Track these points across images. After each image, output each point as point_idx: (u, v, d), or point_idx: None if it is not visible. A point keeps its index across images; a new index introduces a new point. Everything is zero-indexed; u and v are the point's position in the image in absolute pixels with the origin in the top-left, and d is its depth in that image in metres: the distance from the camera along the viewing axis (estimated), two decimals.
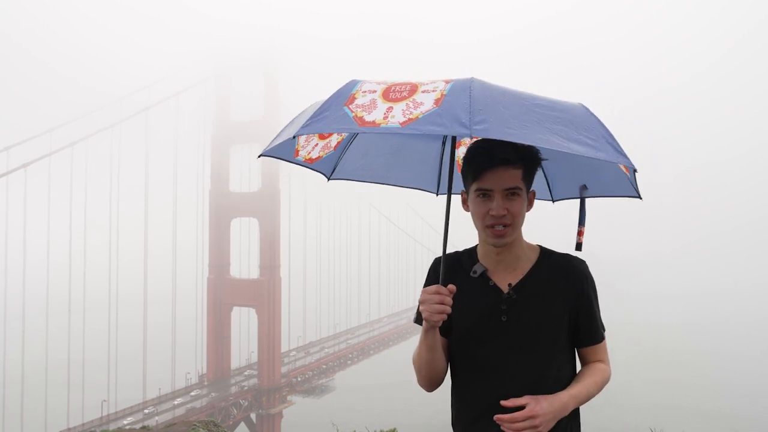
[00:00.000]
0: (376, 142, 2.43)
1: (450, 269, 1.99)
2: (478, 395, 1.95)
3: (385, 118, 1.62)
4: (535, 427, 1.78)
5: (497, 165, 1.87)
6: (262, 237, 57.97)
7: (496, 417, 1.81)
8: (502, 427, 1.81)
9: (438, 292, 1.83)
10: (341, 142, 2.34)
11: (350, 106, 1.69)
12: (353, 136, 2.35)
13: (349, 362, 67.19)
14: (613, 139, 1.79)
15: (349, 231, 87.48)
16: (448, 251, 2.00)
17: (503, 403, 1.83)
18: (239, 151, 59.20)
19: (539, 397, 1.84)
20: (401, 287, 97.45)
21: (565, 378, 1.96)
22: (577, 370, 2.04)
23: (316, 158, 2.31)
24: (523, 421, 1.79)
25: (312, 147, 2.28)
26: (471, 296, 1.96)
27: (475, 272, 2.00)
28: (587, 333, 2.00)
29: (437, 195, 2.61)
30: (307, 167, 2.32)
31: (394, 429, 7.24)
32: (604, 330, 2.05)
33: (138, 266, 53.76)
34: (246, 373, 57.31)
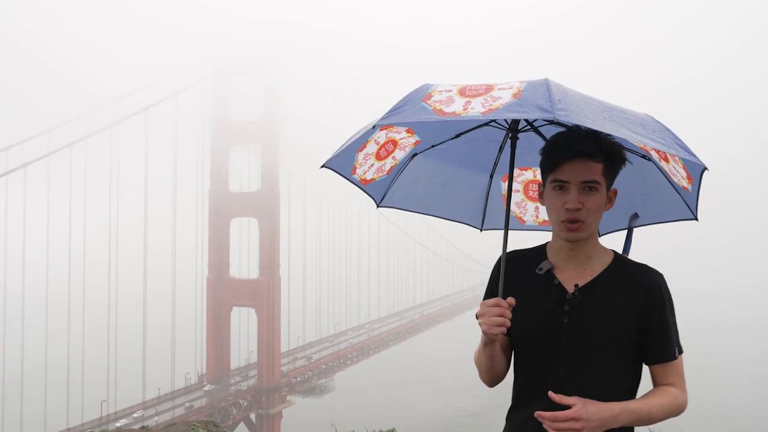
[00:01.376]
0: (428, 170, 2.47)
1: (515, 267, 1.97)
2: (534, 394, 1.90)
3: (465, 109, 1.66)
4: (576, 430, 1.70)
5: (576, 156, 1.80)
6: (261, 237, 57.97)
7: (537, 414, 1.75)
8: (543, 425, 1.74)
9: (498, 305, 1.80)
10: (395, 166, 2.38)
11: (428, 102, 1.74)
12: (406, 162, 2.41)
13: (348, 362, 67.21)
14: (683, 143, 1.83)
15: (348, 231, 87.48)
16: (518, 248, 2.01)
17: (551, 394, 1.78)
18: (239, 151, 59.22)
19: (588, 401, 1.75)
20: (401, 287, 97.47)
21: (624, 391, 1.86)
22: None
23: (370, 180, 2.36)
24: (565, 421, 1.71)
25: (369, 166, 2.32)
26: (534, 294, 1.91)
27: (541, 269, 1.94)
28: (657, 349, 1.88)
29: (481, 231, 2.63)
30: (361, 188, 2.38)
31: (393, 429, 7.23)
32: (680, 350, 1.91)
33: (137, 266, 53.77)
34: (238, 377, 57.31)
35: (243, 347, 58.63)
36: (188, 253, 59.35)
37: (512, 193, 2.48)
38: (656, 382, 1.92)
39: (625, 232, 2.28)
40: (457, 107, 1.68)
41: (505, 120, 2.14)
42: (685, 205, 2.16)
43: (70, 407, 45.53)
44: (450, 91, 1.77)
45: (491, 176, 2.52)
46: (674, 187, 2.12)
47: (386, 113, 1.78)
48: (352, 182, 2.32)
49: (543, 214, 2.18)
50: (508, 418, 2.01)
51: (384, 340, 76.11)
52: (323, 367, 62.49)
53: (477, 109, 1.64)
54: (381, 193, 2.44)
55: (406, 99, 1.80)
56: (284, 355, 60.00)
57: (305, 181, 65.00)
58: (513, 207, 2.56)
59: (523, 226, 2.57)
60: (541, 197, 1.96)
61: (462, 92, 1.74)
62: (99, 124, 56.07)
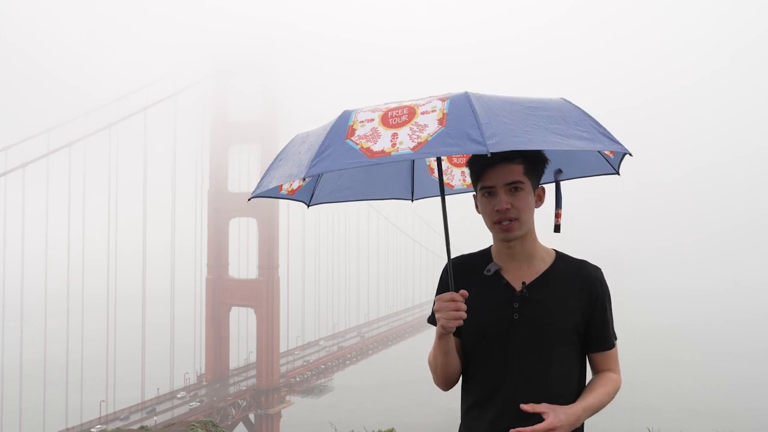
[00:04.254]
0: None
1: (463, 270, 2.02)
2: (488, 392, 1.97)
3: (393, 145, 1.60)
4: None
5: (496, 162, 1.90)
6: (260, 237, 57.95)
7: (514, 431, 1.80)
8: None
9: (453, 299, 1.85)
10: None
11: (353, 139, 1.65)
12: None
13: (347, 362, 67.16)
14: (603, 128, 1.82)
15: (347, 231, 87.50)
16: (462, 253, 2.05)
17: (523, 407, 1.84)
18: (238, 151, 59.21)
19: (557, 407, 1.84)
20: (400, 287, 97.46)
21: (574, 382, 1.97)
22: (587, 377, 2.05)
23: (296, 189, 2.32)
24: None
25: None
26: (484, 294, 1.97)
27: (488, 270, 2.02)
28: (599, 339, 2.01)
29: (413, 201, 2.68)
30: (289, 199, 2.34)
31: (392, 429, 7.23)
32: (615, 338, 2.05)
33: (137, 266, 53.75)
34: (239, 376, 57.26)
35: (242, 347, 58.62)
36: (187, 253, 59.34)
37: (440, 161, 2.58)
38: (596, 368, 2.05)
39: (554, 187, 2.29)
40: (384, 144, 1.60)
41: None
42: (606, 162, 2.28)
43: (69, 407, 45.50)
44: (372, 120, 1.69)
45: None
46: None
47: (313, 159, 1.64)
48: (280, 198, 2.28)
49: (469, 177, 2.27)
50: (465, 417, 2.06)
51: (383, 340, 76.07)
52: (322, 367, 62.45)
53: (406, 144, 1.58)
54: (308, 195, 2.41)
55: (330, 137, 1.68)
56: (283, 355, 59.99)
57: None
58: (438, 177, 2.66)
59: (452, 191, 2.59)
60: (477, 207, 2.03)
61: (385, 121, 1.67)
62: (98, 124, 56.08)
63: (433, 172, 2.59)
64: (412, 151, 1.57)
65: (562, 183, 2.24)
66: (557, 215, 2.13)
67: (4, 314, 46.57)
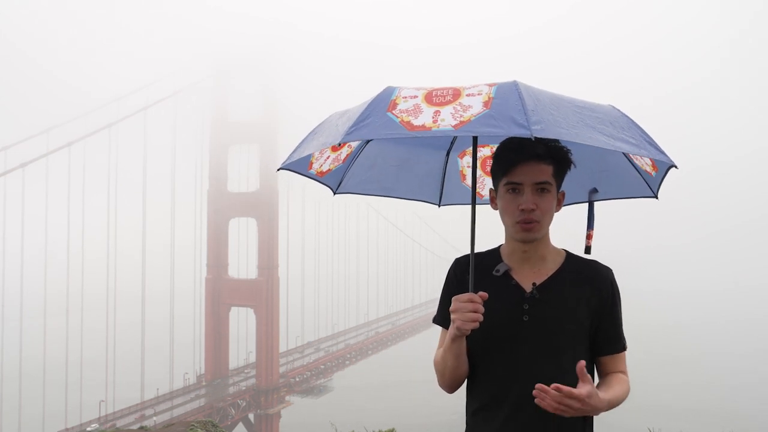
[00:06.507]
0: (383, 153, 2.44)
1: (473, 270, 1.98)
2: (496, 395, 1.93)
3: (435, 121, 1.60)
4: (573, 409, 1.71)
5: (528, 159, 1.87)
6: (260, 237, 57.94)
7: (539, 386, 1.72)
8: (537, 400, 1.72)
9: (471, 301, 1.81)
10: (350, 154, 2.36)
11: (394, 112, 1.66)
12: (361, 148, 2.37)
13: (347, 362, 67.19)
14: (650, 137, 1.83)
15: (347, 231, 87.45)
16: (466, 254, 2.00)
17: (554, 386, 1.75)
18: (238, 151, 59.16)
19: (594, 391, 1.78)
20: (400, 287, 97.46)
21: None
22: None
23: (326, 171, 2.34)
24: (569, 398, 1.70)
25: (324, 159, 2.30)
26: (492, 295, 1.91)
27: (497, 271, 1.98)
28: (609, 341, 2.00)
29: (439, 206, 2.66)
30: (317, 181, 2.36)
31: (393, 429, 7.23)
32: (625, 342, 2.05)
33: (136, 266, 53.70)
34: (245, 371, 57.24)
35: (242, 347, 58.57)
36: (187, 253, 59.29)
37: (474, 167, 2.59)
38: (605, 372, 2.02)
39: (587, 206, 2.28)
40: (426, 119, 1.61)
41: None
42: (645, 184, 2.23)
43: (69, 407, 45.44)
44: (415, 97, 1.70)
45: (448, 153, 2.53)
46: (635, 168, 2.18)
47: (351, 126, 1.66)
48: (308, 177, 2.30)
49: None
50: (471, 419, 2.01)
51: (383, 340, 76.10)
52: (322, 367, 62.47)
53: (448, 121, 1.59)
54: (337, 181, 2.42)
55: (370, 108, 1.70)
56: (283, 356, 59.97)
57: (304, 180, 64.79)
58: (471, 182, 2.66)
59: (481, 200, 2.56)
60: (493, 202, 2.01)
61: (428, 99, 1.68)
62: (98, 124, 55.99)
63: (465, 179, 2.56)
64: (453, 128, 1.57)
65: (595, 203, 2.19)
66: (588, 236, 2.10)
67: (4, 314, 46.53)
